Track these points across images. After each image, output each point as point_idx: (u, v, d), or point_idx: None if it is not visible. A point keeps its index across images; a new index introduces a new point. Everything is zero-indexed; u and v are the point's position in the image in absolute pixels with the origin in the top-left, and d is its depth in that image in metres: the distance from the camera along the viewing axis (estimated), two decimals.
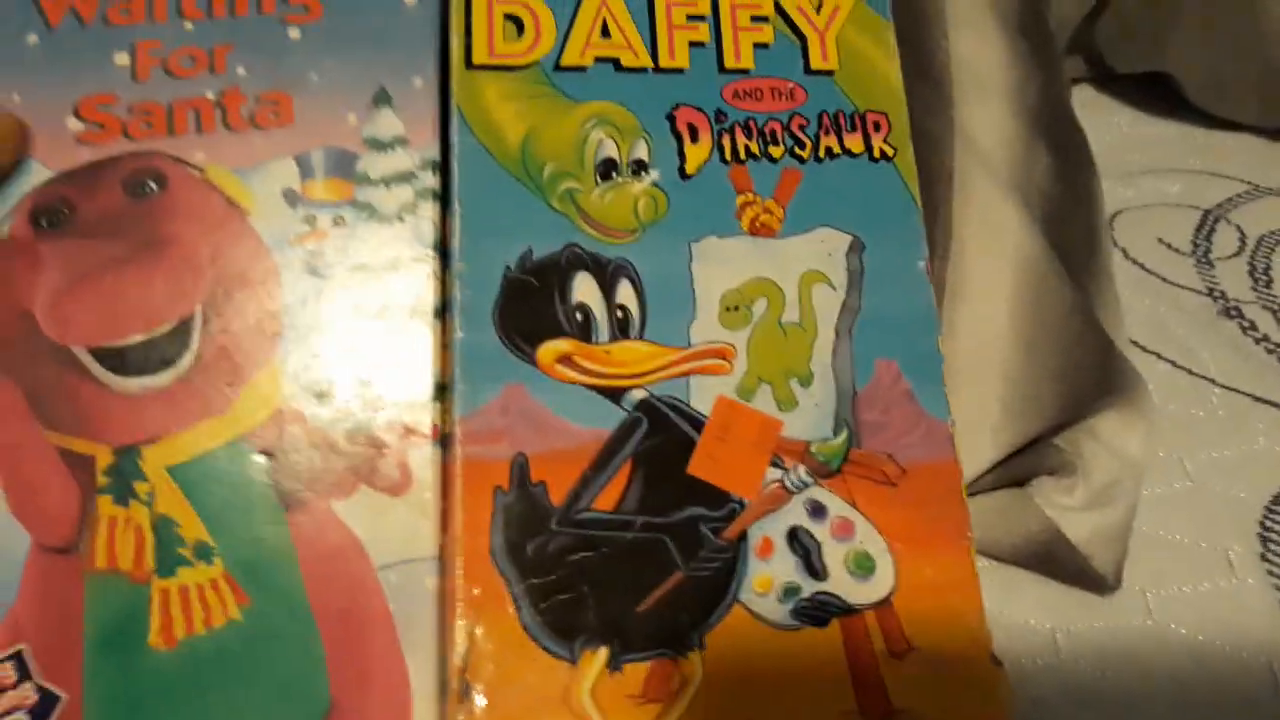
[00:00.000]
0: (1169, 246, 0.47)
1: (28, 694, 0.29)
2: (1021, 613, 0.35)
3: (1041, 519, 0.35)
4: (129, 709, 0.29)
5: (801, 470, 0.31)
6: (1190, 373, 0.42)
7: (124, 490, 0.30)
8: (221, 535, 0.30)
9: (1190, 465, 0.39)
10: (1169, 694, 0.34)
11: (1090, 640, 0.35)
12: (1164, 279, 0.46)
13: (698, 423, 0.31)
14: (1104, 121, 0.52)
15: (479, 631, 0.28)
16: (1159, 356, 0.43)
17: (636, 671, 0.29)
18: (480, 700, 0.28)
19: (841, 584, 0.30)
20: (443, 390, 0.32)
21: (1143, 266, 0.46)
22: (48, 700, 0.29)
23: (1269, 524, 0.38)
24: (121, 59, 0.33)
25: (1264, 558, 0.37)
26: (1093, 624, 0.35)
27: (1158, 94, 0.52)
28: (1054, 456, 0.36)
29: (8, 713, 0.29)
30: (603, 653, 0.29)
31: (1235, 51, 0.49)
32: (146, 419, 0.31)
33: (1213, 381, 0.42)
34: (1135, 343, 0.42)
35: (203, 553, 0.30)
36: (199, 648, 0.30)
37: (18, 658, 0.29)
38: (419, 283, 0.32)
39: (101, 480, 0.30)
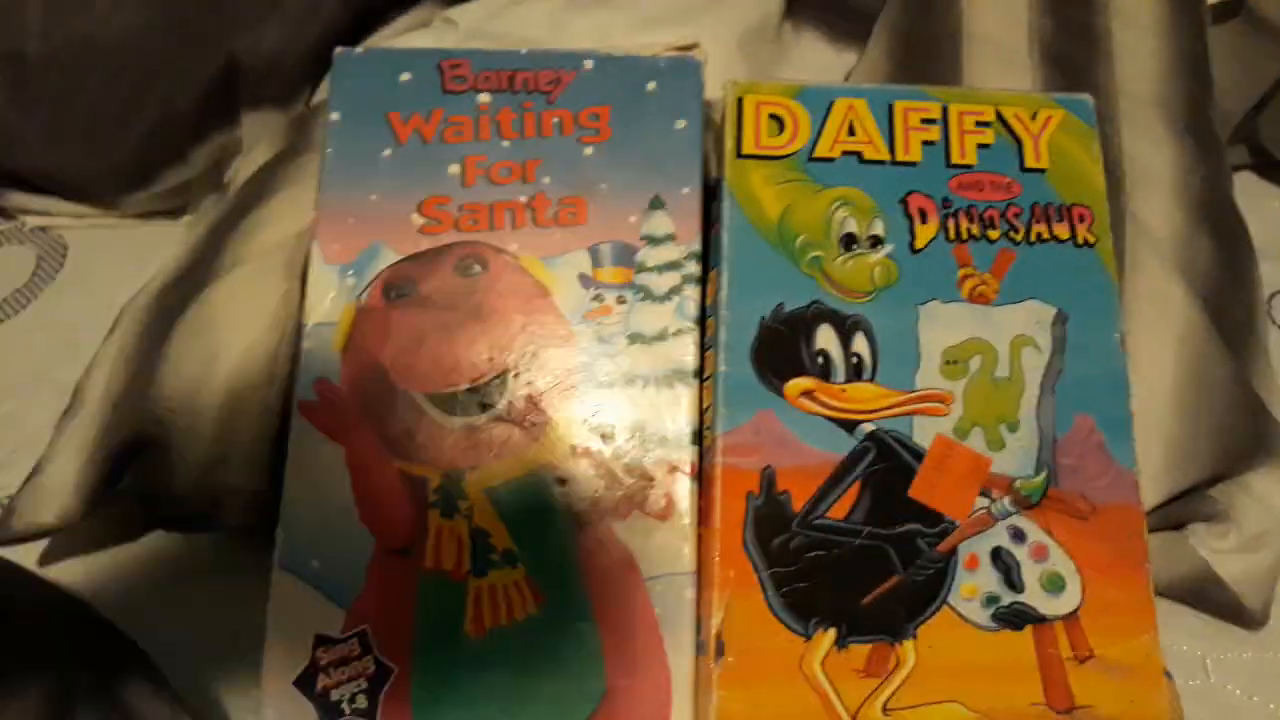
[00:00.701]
0: None
1: (368, 665, 0.34)
2: (1175, 639, 0.39)
3: (1196, 558, 0.38)
4: (446, 683, 0.34)
5: (1006, 501, 0.35)
6: None
7: (450, 507, 0.35)
8: (524, 545, 0.35)
9: None
10: None
11: (1237, 667, 0.38)
12: None
13: (918, 454, 0.35)
14: (1265, 206, 0.54)
15: (732, 605, 0.33)
16: None
17: (859, 651, 0.33)
18: (731, 659, 0.33)
19: (1035, 597, 0.33)
20: (700, 436, 0.36)
21: None
22: (383, 672, 0.34)
23: None
24: (454, 169, 0.39)
25: None
26: (1241, 654, 0.39)
27: None
28: (1208, 505, 0.39)
29: (353, 679, 0.33)
30: (832, 633, 0.33)
31: None
32: (469, 450, 0.36)
33: None
34: None
35: (509, 559, 0.35)
36: (503, 637, 0.34)
37: (362, 636, 0.34)
38: (683, 349, 0.37)
39: (432, 498, 0.35)
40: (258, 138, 0.50)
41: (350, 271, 0.37)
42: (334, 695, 0.33)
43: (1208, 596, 0.39)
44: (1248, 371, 0.41)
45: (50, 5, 0.47)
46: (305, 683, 0.33)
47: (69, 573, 0.41)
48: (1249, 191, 0.54)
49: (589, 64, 0.40)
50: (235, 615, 0.39)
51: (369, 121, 0.39)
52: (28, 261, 0.51)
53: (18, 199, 0.52)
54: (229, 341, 0.40)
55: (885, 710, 0.32)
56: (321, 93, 0.50)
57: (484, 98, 0.39)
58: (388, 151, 0.39)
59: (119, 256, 0.51)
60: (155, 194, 0.51)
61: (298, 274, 0.40)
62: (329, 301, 0.37)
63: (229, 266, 0.41)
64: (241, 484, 0.39)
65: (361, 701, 0.33)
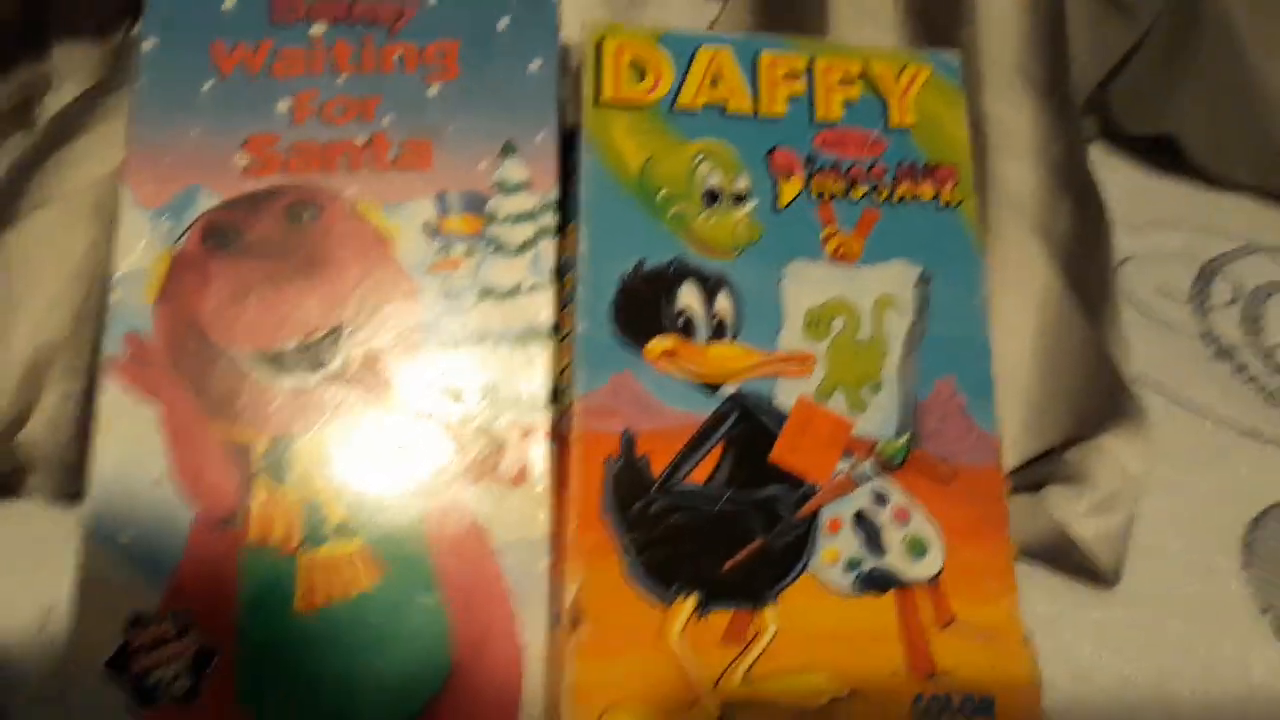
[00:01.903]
0: (1169, 294, 0.51)
1: (189, 645, 0.32)
2: (1032, 601, 0.39)
3: (1051, 520, 0.39)
4: (275, 665, 0.32)
5: (868, 464, 0.34)
6: (1186, 407, 0.46)
7: (278, 474, 0.33)
8: (362, 515, 0.33)
9: (1185, 487, 0.43)
10: (1153, 674, 0.39)
11: (1089, 627, 0.39)
12: (1164, 323, 0.50)
13: (780, 418, 0.35)
14: (1115, 177, 0.53)
15: (589, 574, 0.32)
16: (1159, 391, 0.47)
17: (719, 619, 0.32)
18: (587, 630, 0.32)
19: (898, 561, 0.34)
20: (556, 396, 0.35)
21: (1146, 311, 0.50)
22: (205, 652, 0.32)
23: (1250, 541, 0.42)
24: (283, 105, 0.36)
25: (1244, 567, 0.41)
26: (1093, 614, 0.40)
27: (1164, 154, 0.55)
28: (1065, 468, 0.40)
29: (172, 660, 0.32)
30: (692, 600, 0.33)
31: (1233, 119, 0.52)
32: (299, 414, 0.34)
33: (1205, 415, 0.46)
34: (1140, 378, 0.45)
35: (344, 530, 0.33)
36: (338, 614, 0.32)
37: (181, 614, 0.32)
38: (538, 305, 0.35)
39: (258, 465, 0.33)
40: (70, 72, 0.46)
41: (165, 216, 0.35)
42: (151, 679, 0.32)
43: (1064, 557, 0.40)
44: (1104, 335, 0.42)
45: None
46: (118, 665, 0.32)
47: None
48: (1099, 162, 0.54)
49: None
50: (44, 591, 0.37)
51: (188, 50, 0.37)
52: None
53: None
54: (31, 292, 0.37)
55: (745, 679, 0.32)
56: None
57: (318, 28, 0.37)
58: (209, 84, 0.36)
59: None
60: None
61: (108, 219, 0.37)
62: (141, 249, 0.35)
63: (29, 210, 0.38)
64: (46, 449, 0.37)
65: (182, 685, 0.32)
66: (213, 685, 0.32)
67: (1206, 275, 0.53)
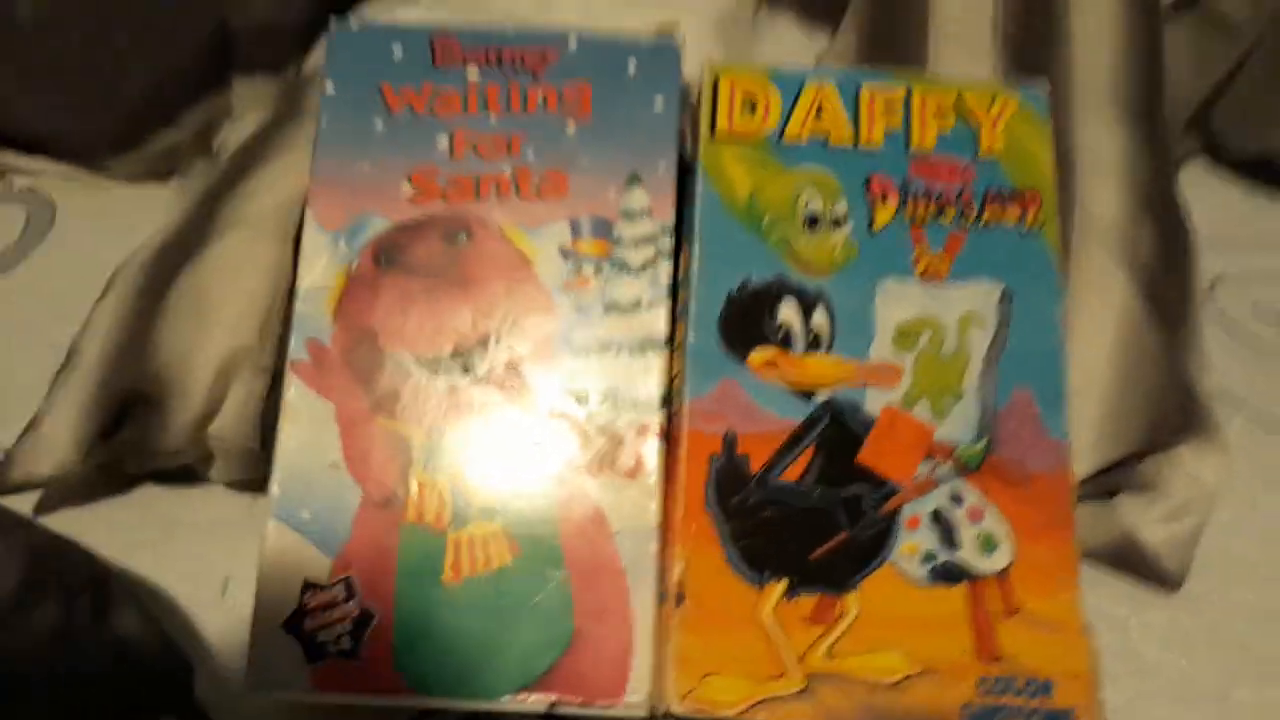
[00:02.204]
0: (1262, 312, 0.51)
1: (353, 609, 0.36)
2: (1101, 601, 0.41)
3: (1122, 526, 0.41)
4: (426, 627, 0.36)
5: (947, 467, 0.37)
6: (1269, 422, 0.47)
7: (432, 463, 0.37)
8: (501, 500, 0.37)
9: (1259, 497, 0.44)
10: (1219, 679, 0.40)
11: (1154, 628, 0.41)
12: (1255, 340, 0.50)
13: (868, 423, 0.37)
14: (1214, 195, 0.55)
15: (692, 557, 0.35)
16: (1242, 406, 0.47)
17: (807, 601, 0.35)
18: (690, 606, 0.35)
19: (970, 556, 0.36)
20: (668, 400, 0.38)
21: (1237, 328, 0.50)
22: (366, 616, 0.36)
23: None
24: (442, 142, 0.40)
25: None
26: (1160, 615, 0.41)
27: (1267, 173, 0.54)
28: (1137, 476, 0.41)
29: (338, 622, 0.35)
30: (783, 584, 0.35)
31: None
32: (452, 411, 0.38)
33: None
34: (1223, 393, 0.47)
35: (487, 513, 0.37)
36: (480, 584, 0.36)
37: (348, 582, 0.36)
38: (655, 319, 0.39)
39: (416, 454, 0.37)
40: (248, 104, 0.51)
41: (342, 238, 0.39)
42: (319, 637, 0.35)
43: (1131, 561, 0.41)
44: (1180, 353, 0.43)
45: None
46: (293, 625, 0.36)
47: (61, 522, 0.43)
48: (1199, 181, 0.56)
49: (574, 43, 0.42)
50: (223, 564, 0.42)
51: (362, 93, 0.41)
52: (17, 221, 0.52)
53: (6, 158, 0.52)
54: (223, 303, 0.41)
55: (829, 655, 0.35)
56: (313, 60, 0.51)
57: (473, 73, 0.41)
58: (379, 123, 0.41)
59: (107, 218, 0.52)
60: (144, 157, 0.51)
61: (289, 239, 0.42)
62: (321, 267, 0.39)
63: (223, 231, 0.43)
64: (233, 440, 0.41)
65: (346, 643, 0.35)
66: (371, 644, 0.35)
67: None
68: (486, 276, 0.39)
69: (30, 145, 0.52)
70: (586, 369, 0.38)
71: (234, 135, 0.50)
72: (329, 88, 0.41)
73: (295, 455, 0.37)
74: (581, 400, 0.38)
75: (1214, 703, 0.40)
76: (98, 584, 0.36)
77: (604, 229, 0.40)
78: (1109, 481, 0.41)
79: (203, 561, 0.42)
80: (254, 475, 0.42)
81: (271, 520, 0.36)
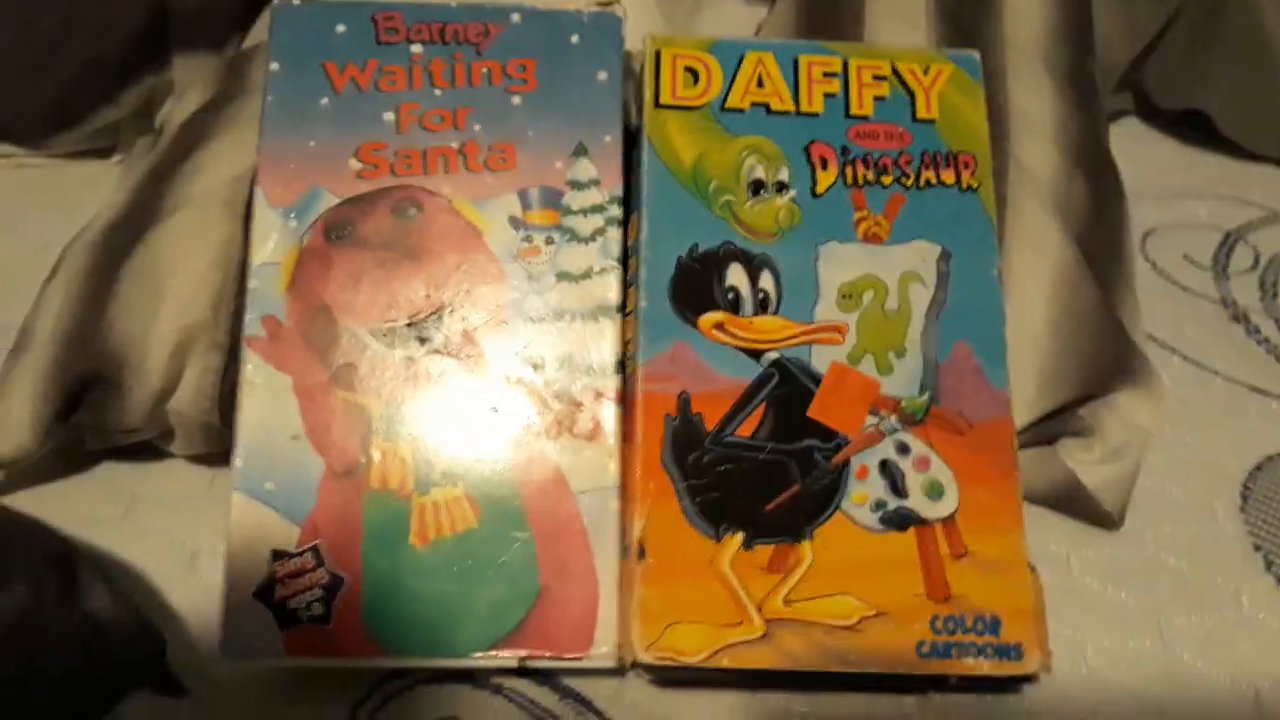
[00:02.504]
0: (1192, 261, 0.53)
1: (322, 576, 0.36)
2: (1045, 541, 0.43)
3: (1063, 469, 0.42)
4: (395, 590, 0.36)
5: (893, 419, 0.38)
6: (1199, 366, 0.49)
7: (392, 431, 0.38)
8: (463, 465, 0.38)
9: (1190, 438, 0.46)
10: (1156, 607, 0.42)
11: (1096, 564, 0.43)
12: (1185, 288, 0.52)
13: (816, 379, 0.38)
14: (1147, 150, 0.58)
15: (652, 514, 0.37)
16: (1174, 351, 0.50)
17: (764, 551, 0.37)
18: (651, 560, 0.36)
19: (918, 502, 0.37)
20: (622, 366, 0.39)
21: (1169, 277, 0.53)
22: (336, 581, 0.36)
23: (1249, 486, 0.45)
24: (389, 117, 0.41)
25: (1242, 510, 0.44)
26: (1100, 551, 0.43)
27: (1196, 127, 0.57)
28: (1076, 422, 0.42)
29: (308, 589, 0.36)
30: (740, 536, 0.37)
31: (1260, 93, 0.54)
32: (409, 381, 0.38)
33: (1216, 373, 0.49)
34: (1155, 340, 0.49)
35: (449, 478, 0.37)
36: (446, 547, 0.37)
37: (315, 550, 0.36)
38: (607, 286, 0.40)
39: (376, 424, 0.38)
40: (190, 80, 0.51)
41: (292, 214, 0.40)
42: (291, 604, 0.36)
43: (1073, 502, 0.43)
44: (1114, 301, 0.45)
45: None
46: (264, 594, 0.36)
47: (23, 501, 0.43)
48: (1133, 135, 0.59)
49: (516, 17, 0.42)
50: (188, 537, 0.42)
51: (306, 71, 0.41)
52: None
53: None
54: (175, 281, 0.41)
55: (786, 602, 0.36)
56: (254, 35, 0.51)
57: (416, 48, 0.41)
58: (325, 100, 0.41)
59: (48, 196, 0.51)
60: (83, 134, 0.51)
61: (239, 216, 0.42)
62: (273, 242, 0.39)
63: (172, 209, 0.43)
64: (192, 415, 0.41)
65: (317, 609, 0.36)
66: (342, 609, 0.36)
67: (1229, 243, 0.54)
68: (438, 248, 0.40)
69: None
70: (541, 336, 0.39)
71: (177, 112, 0.49)
72: (273, 66, 0.41)
73: (256, 429, 0.38)
74: (538, 367, 0.39)
75: (1151, 631, 0.42)
76: (66, 563, 0.37)
77: (553, 199, 0.40)
78: (1050, 428, 0.43)
79: (167, 535, 0.43)
80: (215, 449, 0.43)
81: (236, 493, 0.37)
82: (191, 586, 0.41)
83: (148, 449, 0.44)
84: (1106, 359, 0.43)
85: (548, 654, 0.37)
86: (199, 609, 0.41)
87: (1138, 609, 0.42)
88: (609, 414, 0.39)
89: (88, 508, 0.43)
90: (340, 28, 0.42)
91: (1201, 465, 0.46)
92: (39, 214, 0.51)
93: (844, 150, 0.41)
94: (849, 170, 0.41)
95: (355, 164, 0.40)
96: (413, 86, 0.41)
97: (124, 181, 0.47)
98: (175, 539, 0.43)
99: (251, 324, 0.39)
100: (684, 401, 0.38)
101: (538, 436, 0.38)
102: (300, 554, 0.37)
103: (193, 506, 0.43)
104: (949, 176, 0.42)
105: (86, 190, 0.49)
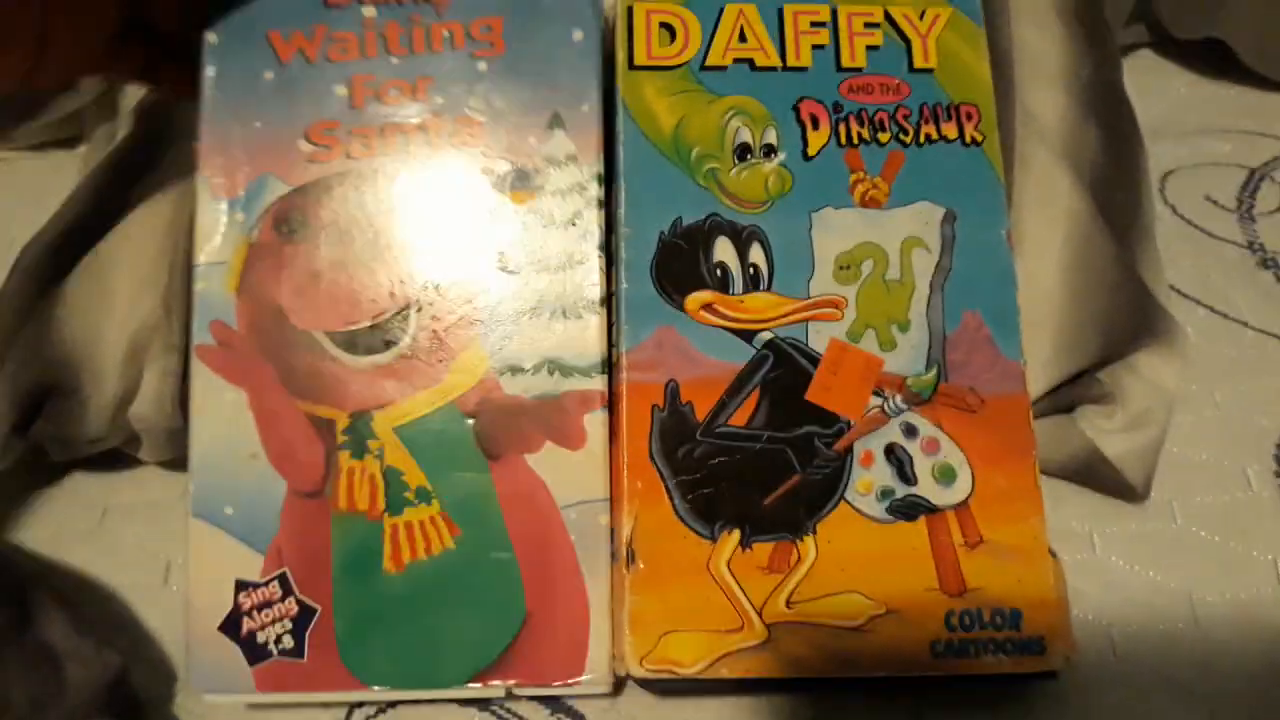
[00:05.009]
0: (1215, 203, 0.50)
1: (291, 606, 0.34)
2: (1065, 518, 0.41)
3: (1083, 439, 0.40)
4: (369, 619, 0.34)
5: (899, 399, 0.36)
6: (1226, 317, 0.46)
7: (359, 447, 0.35)
8: (437, 481, 0.35)
9: (1219, 397, 0.44)
10: (1186, 584, 0.40)
11: (1121, 540, 0.41)
12: (1208, 233, 0.49)
13: (814, 359, 0.36)
14: (1163, 85, 0.55)
15: (641, 515, 0.34)
16: (1199, 303, 0.47)
17: (763, 549, 0.34)
18: (642, 565, 0.34)
19: (928, 489, 0.35)
20: (609, 366, 0.36)
21: (1190, 222, 0.49)
22: (306, 612, 0.34)
23: None
24: (341, 90, 0.37)
25: (1278, 473, 0.42)
26: (1125, 527, 0.41)
27: (1214, 58, 0.53)
28: (1096, 388, 0.40)
29: (277, 620, 0.34)
30: (736, 534, 0.34)
31: None
32: (375, 389, 0.35)
33: (1245, 325, 0.46)
34: (1178, 290, 0.46)
35: (423, 496, 0.35)
36: (422, 571, 0.34)
37: (282, 578, 0.34)
38: (587, 276, 0.36)
39: (341, 439, 0.35)
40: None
41: (239, 206, 0.37)
42: (260, 637, 0.34)
43: (1094, 475, 0.41)
44: (1133, 256, 0.42)
45: None
46: (230, 627, 0.34)
47: None
48: (1148, 69, 0.55)
49: None
50: (161, 547, 0.41)
51: (248, 42, 0.37)
52: None
53: None
54: (122, 281, 0.40)
55: (789, 604, 0.34)
56: None
57: (368, 11, 0.38)
58: (270, 74, 0.37)
59: (14, 189, 0.50)
60: (47, 124, 0.49)
61: (186, 207, 0.40)
62: (219, 239, 0.36)
63: (124, 205, 0.41)
64: (155, 420, 0.39)
65: (288, 642, 0.34)
66: (315, 640, 0.34)
67: (1254, 182, 0.51)
68: (401, 239, 0.37)
69: None
70: (519, 335, 0.36)
71: (136, 94, 0.47)
72: (210, 37, 0.37)
73: (210, 449, 0.35)
74: (516, 370, 0.36)
75: (1184, 611, 0.39)
76: (19, 594, 0.35)
77: (525, 179, 0.37)
78: (1067, 395, 0.41)
79: (141, 548, 0.41)
80: (184, 453, 0.40)
81: (192, 519, 0.35)
82: (166, 600, 0.40)
83: (118, 458, 0.42)
84: (1126, 317, 0.41)
85: (536, 682, 0.34)
86: (173, 625, 0.39)
87: (1168, 587, 0.40)
88: (596, 420, 0.36)
89: (58, 523, 0.42)
90: None
91: (1232, 426, 0.43)
92: (6, 207, 0.49)
93: (836, 107, 0.38)
94: (842, 129, 0.38)
95: (306, 146, 0.37)
96: (366, 55, 0.37)
97: (82, 174, 0.45)
98: (149, 551, 0.41)
99: (199, 331, 0.36)
100: (672, 391, 0.36)
101: (518, 447, 0.36)
102: (266, 583, 0.34)
103: (167, 516, 0.41)
104: (951, 130, 0.39)
105: (53, 182, 0.46)
